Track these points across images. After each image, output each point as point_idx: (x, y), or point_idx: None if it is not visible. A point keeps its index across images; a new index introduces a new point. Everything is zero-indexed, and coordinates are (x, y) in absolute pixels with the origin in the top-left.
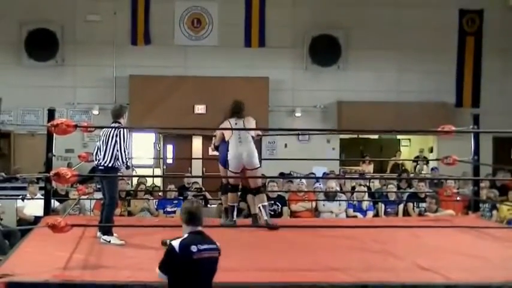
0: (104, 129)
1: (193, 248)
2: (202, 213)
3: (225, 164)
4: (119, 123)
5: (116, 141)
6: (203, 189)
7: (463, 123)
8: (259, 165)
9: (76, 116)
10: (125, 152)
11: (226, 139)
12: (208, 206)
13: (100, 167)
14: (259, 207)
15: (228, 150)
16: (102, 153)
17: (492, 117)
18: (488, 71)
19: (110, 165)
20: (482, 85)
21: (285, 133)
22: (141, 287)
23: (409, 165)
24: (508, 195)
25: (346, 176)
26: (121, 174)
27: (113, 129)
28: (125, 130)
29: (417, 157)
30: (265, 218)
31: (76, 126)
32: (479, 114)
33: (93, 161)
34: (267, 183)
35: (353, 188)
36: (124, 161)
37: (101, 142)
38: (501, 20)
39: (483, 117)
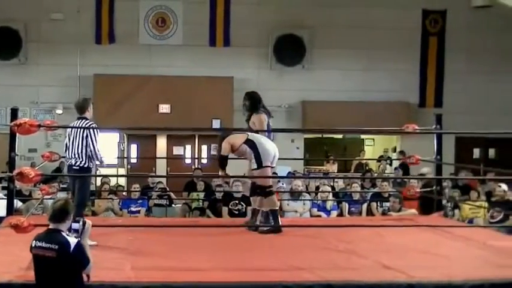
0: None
1: (33, 243)
2: (66, 213)
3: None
4: (85, 118)
5: (87, 142)
6: (167, 189)
7: (426, 123)
8: None
9: (39, 115)
10: (98, 151)
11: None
12: (173, 205)
13: (75, 167)
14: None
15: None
16: (76, 153)
17: (454, 117)
18: (451, 71)
19: (85, 166)
20: (445, 85)
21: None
22: (107, 286)
23: (373, 165)
24: (469, 194)
25: (310, 176)
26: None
27: (82, 128)
28: (93, 129)
29: (381, 157)
30: (274, 222)
31: (39, 125)
32: (442, 114)
33: (56, 160)
34: (231, 183)
35: (317, 187)
36: (98, 159)
37: (71, 141)
38: (464, 21)
39: (446, 117)
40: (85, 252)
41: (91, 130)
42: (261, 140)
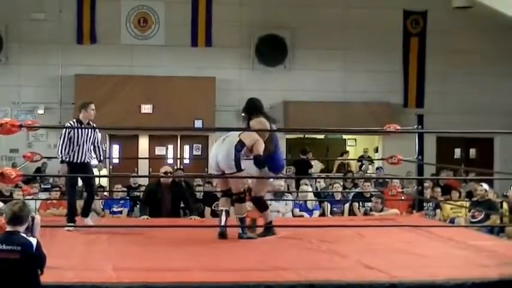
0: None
1: None
2: (25, 214)
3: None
4: (79, 120)
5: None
6: None
7: (407, 123)
8: None
9: (21, 116)
10: (59, 147)
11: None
12: None
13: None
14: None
15: (277, 153)
16: (85, 150)
17: (435, 117)
18: (432, 72)
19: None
20: (426, 86)
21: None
22: (88, 287)
23: (353, 165)
24: (451, 194)
25: (293, 176)
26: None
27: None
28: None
29: (361, 157)
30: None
31: (21, 126)
32: (423, 114)
33: (37, 160)
34: (215, 184)
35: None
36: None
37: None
38: (444, 21)
39: (427, 117)
40: (42, 250)
41: (75, 132)
42: (213, 147)
